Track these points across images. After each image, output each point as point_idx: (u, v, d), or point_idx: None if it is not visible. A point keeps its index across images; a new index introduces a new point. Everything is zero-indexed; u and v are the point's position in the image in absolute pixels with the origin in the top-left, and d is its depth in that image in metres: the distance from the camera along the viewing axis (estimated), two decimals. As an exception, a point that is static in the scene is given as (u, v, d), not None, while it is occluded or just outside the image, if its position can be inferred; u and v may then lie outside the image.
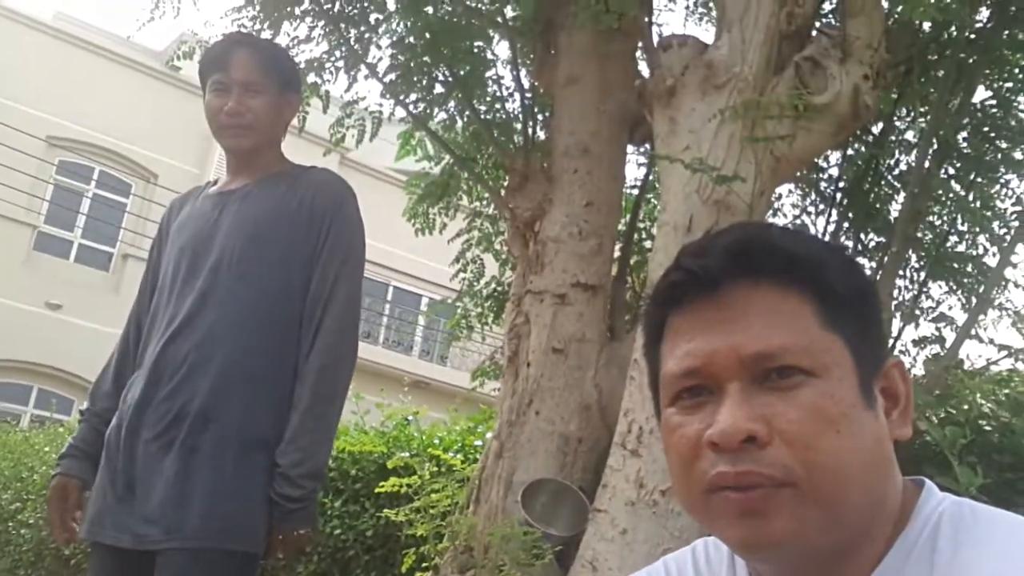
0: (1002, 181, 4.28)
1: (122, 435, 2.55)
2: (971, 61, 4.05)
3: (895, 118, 4.54)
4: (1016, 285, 4.14)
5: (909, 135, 4.69)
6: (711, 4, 5.82)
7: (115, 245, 20.07)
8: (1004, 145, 4.22)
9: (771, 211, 4.18)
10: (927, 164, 3.93)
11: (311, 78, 5.07)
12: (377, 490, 4.63)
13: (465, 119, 5.40)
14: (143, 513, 2.45)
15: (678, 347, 1.09)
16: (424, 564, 4.23)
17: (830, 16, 4.41)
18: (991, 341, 3.94)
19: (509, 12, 4.94)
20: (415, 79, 5.15)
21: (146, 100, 20.07)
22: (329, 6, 4.95)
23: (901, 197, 4.50)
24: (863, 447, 1.01)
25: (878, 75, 3.64)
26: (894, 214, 4.54)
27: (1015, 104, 4.45)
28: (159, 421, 2.51)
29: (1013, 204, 4.32)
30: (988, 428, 3.66)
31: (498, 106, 5.39)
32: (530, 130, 4.76)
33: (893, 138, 4.54)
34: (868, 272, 1.11)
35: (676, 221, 3.68)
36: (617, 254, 4.56)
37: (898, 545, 1.04)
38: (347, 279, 2.66)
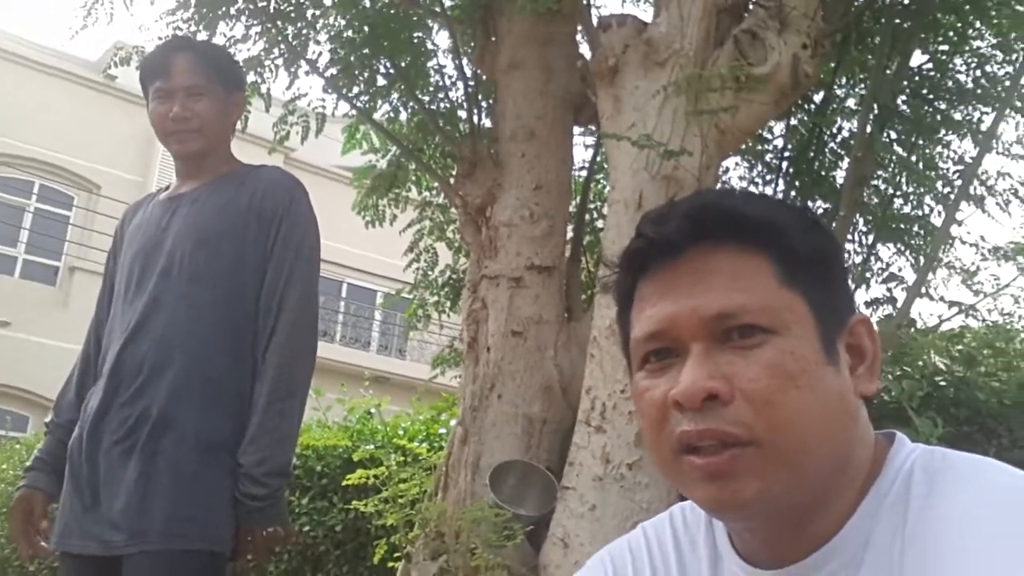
0: (944, 142, 4.36)
1: (84, 443, 2.54)
2: (906, 26, 4.11)
3: (835, 86, 4.61)
4: (963, 242, 4.23)
5: (850, 102, 4.76)
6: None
7: (60, 259, 19.77)
8: (943, 106, 4.29)
9: (719, 184, 4.21)
10: (869, 129, 3.99)
11: (251, 78, 5.02)
12: (344, 483, 4.63)
13: (409, 110, 5.39)
14: (108, 519, 2.44)
15: (643, 312, 1.11)
16: (396, 553, 4.24)
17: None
18: (942, 299, 4.02)
19: (447, 1, 4.94)
20: (356, 73, 5.14)
21: (84, 111, 19.76)
22: (264, 4, 4.91)
23: (845, 163, 4.57)
24: (824, 402, 1.02)
25: (816, 44, 3.69)
26: (839, 180, 4.61)
27: (951, 66, 4.54)
28: (119, 427, 2.50)
29: (955, 164, 4.41)
30: (943, 383, 3.75)
31: (441, 95, 5.40)
32: (475, 117, 4.76)
33: (834, 105, 4.61)
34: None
35: (626, 198, 3.71)
36: (569, 235, 4.58)
37: (872, 494, 1.07)
38: (301, 276, 2.65)
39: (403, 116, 5.52)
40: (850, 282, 1.19)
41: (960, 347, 4.05)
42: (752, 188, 4.88)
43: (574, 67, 4.45)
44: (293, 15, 4.97)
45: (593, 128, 4.84)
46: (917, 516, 1.02)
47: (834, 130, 4.61)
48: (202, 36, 4.82)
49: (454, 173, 4.62)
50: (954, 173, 4.31)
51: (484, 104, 5.06)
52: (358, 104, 5.17)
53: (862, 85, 4.58)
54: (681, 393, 1.02)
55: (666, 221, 1.11)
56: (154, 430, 2.47)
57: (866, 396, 1.09)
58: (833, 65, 4.48)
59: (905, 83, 4.25)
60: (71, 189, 20.16)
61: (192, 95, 2.69)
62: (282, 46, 5.00)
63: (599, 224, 5.23)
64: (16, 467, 8.38)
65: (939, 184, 4.36)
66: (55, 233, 19.55)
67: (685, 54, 3.72)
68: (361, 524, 5.26)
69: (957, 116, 4.51)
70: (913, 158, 4.30)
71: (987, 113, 4.49)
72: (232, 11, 4.87)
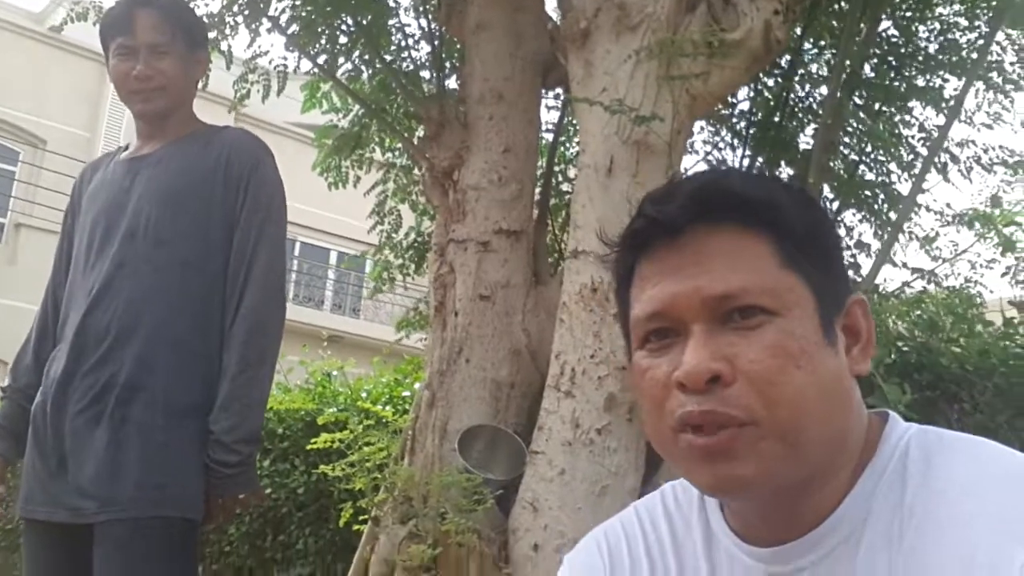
0: (908, 110, 4.39)
1: (48, 411, 2.50)
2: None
3: (801, 51, 4.62)
4: (928, 210, 4.27)
5: (814, 68, 4.77)
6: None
7: (6, 215, 19.38)
8: (908, 74, 4.32)
9: (687, 149, 4.21)
10: (838, 95, 4.01)
11: (211, 35, 4.93)
12: (309, 447, 4.61)
13: (373, 69, 5.32)
14: (77, 486, 2.41)
15: (644, 291, 1.11)
16: (361, 516, 4.24)
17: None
18: (904, 265, 4.07)
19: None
20: (319, 30, 5.06)
21: (28, 63, 19.27)
22: (225, -42, 4.81)
23: (810, 129, 4.60)
24: (824, 383, 1.03)
25: (787, 9, 3.69)
26: (803, 146, 4.64)
27: (916, 33, 4.56)
28: (85, 394, 2.46)
29: (918, 131, 4.45)
30: (906, 349, 3.80)
31: (405, 55, 5.33)
32: (441, 78, 4.71)
33: (801, 71, 4.62)
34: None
35: (596, 163, 3.70)
36: (536, 199, 4.57)
37: (868, 472, 1.08)
38: (268, 239, 2.62)
39: (364, 76, 5.45)
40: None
41: (920, 312, 4.10)
42: (717, 154, 4.89)
43: (543, 29, 4.41)
44: (255, -30, 4.88)
45: (560, 91, 4.81)
46: (915, 492, 1.04)
47: (800, 95, 4.62)
48: (162, -9, 4.70)
49: (420, 135, 4.57)
50: (918, 140, 4.34)
51: (448, 65, 5.01)
52: (320, 63, 5.10)
53: (829, 51, 4.59)
54: (685, 374, 1.03)
55: (668, 201, 1.11)
56: (121, 396, 2.44)
57: (860, 376, 1.10)
58: (799, 30, 4.49)
59: (873, 50, 4.26)
60: (16, 144, 19.69)
61: (156, 53, 2.63)
62: (243, 2, 4.90)
63: (564, 187, 5.22)
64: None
65: (903, 152, 4.40)
66: (0, 189, 19.16)
67: (657, 18, 3.69)
68: (324, 487, 5.26)
69: (921, 83, 4.55)
70: (879, 125, 4.32)
71: (947, 81, 4.55)
72: (192, -35, 4.77)
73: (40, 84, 19.19)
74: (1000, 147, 4.21)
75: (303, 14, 4.98)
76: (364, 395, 5.53)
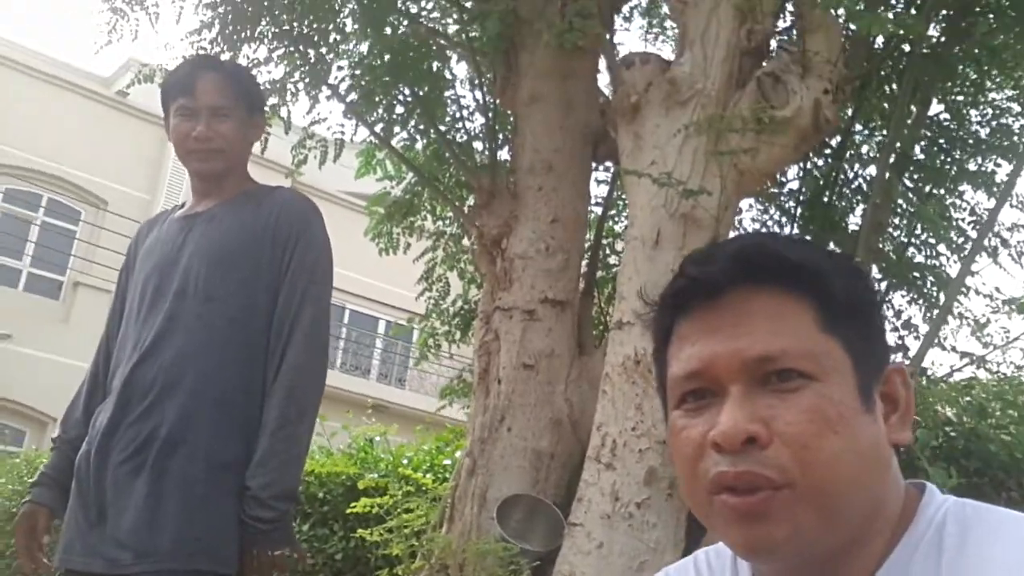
0: (958, 192, 4.37)
1: (91, 460, 2.52)
2: (926, 75, 4.13)
3: (852, 131, 4.63)
4: (977, 293, 4.23)
5: (864, 148, 4.78)
6: (666, 23, 5.90)
7: (65, 273, 19.75)
8: (959, 156, 4.31)
9: (735, 225, 4.22)
10: (887, 176, 4.00)
11: (272, 100, 5.05)
12: (348, 510, 4.61)
13: (428, 139, 5.41)
14: (114, 537, 2.42)
15: (683, 351, 1.11)
16: (396, 584, 4.22)
17: (787, 33, 4.49)
18: (953, 349, 4.02)
19: (471, 32, 4.98)
20: (376, 99, 5.17)
21: (93, 126, 19.80)
22: (288, 27, 4.94)
23: (859, 210, 4.59)
24: (860, 449, 1.02)
25: (837, 89, 3.72)
26: (852, 227, 4.62)
27: (967, 117, 4.56)
28: (128, 445, 2.48)
29: (968, 214, 4.42)
30: (953, 434, 3.74)
31: (459, 125, 5.42)
32: (493, 149, 4.78)
33: (851, 151, 4.62)
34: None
35: (644, 235, 3.72)
36: (582, 270, 4.59)
37: (903, 543, 1.06)
38: (314, 299, 2.65)
39: (419, 145, 5.54)
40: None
41: (970, 398, 4.04)
42: (765, 231, 4.89)
43: (594, 102, 4.47)
44: (316, 39, 5.01)
45: (609, 164, 4.86)
46: (951, 567, 1.02)
47: (850, 176, 4.62)
48: (225, 57, 4.84)
49: (470, 203, 4.63)
50: (968, 223, 4.32)
51: (501, 136, 5.08)
52: (376, 131, 5.19)
53: (879, 132, 4.60)
54: (721, 435, 1.02)
55: (710, 262, 1.11)
56: (163, 449, 2.46)
57: (899, 444, 1.09)
58: (850, 111, 4.50)
59: (923, 131, 4.26)
60: (78, 204, 20.16)
61: (217, 115, 2.69)
62: (304, 69, 5.02)
63: (611, 260, 5.24)
64: (15, 482, 8.33)
65: (952, 234, 4.38)
66: (61, 247, 19.55)
67: (707, 94, 3.74)
68: (361, 553, 5.23)
69: (972, 167, 4.53)
70: (928, 207, 4.31)
71: (1000, 165, 4.53)
72: (256, 33, 4.90)
73: (103, 146, 19.67)
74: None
75: (362, 83, 5.09)
76: (405, 462, 5.52)
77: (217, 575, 2.45)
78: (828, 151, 4.54)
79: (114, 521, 2.44)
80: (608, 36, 4.32)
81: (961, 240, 4.36)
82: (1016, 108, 4.59)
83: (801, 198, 4.64)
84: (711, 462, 1.04)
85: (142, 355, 2.56)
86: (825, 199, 4.49)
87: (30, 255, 19.63)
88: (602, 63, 4.59)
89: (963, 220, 4.34)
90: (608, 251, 5.21)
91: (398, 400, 19.73)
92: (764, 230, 4.78)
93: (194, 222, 2.73)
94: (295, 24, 4.96)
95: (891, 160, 4.04)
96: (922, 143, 4.31)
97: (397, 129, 5.41)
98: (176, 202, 2.91)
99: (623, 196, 5.34)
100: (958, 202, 4.47)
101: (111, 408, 2.55)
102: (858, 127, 4.66)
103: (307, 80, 5.05)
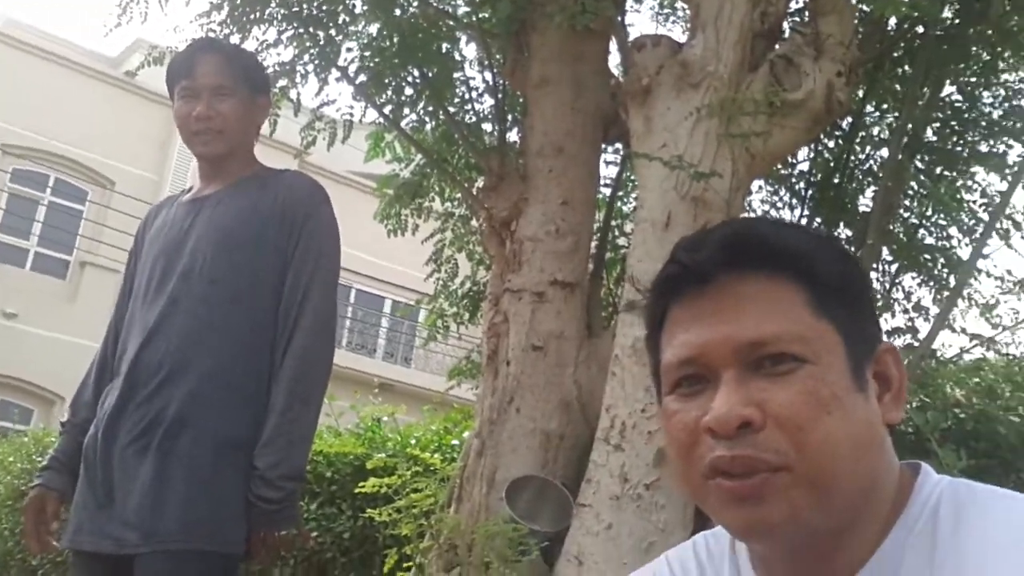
0: (970, 174, 4.36)
1: (99, 442, 2.54)
2: (939, 57, 4.11)
3: (863, 113, 4.61)
4: (988, 275, 4.22)
5: (875, 130, 4.76)
6: (677, 4, 5.88)
7: (72, 253, 19.78)
8: (971, 138, 4.30)
9: (746, 207, 4.21)
10: (899, 158, 3.99)
11: (281, 82, 5.05)
12: (357, 490, 4.62)
13: (437, 121, 5.40)
14: (122, 518, 2.44)
15: (675, 337, 1.12)
16: (406, 564, 4.23)
17: (800, 15, 4.47)
18: (963, 330, 4.02)
19: (482, 14, 4.96)
20: (386, 81, 5.15)
21: (101, 106, 19.79)
22: (297, 9, 4.93)
23: (870, 191, 4.58)
24: (854, 429, 1.03)
25: (850, 72, 3.70)
26: (863, 208, 4.62)
27: (979, 98, 4.54)
28: (135, 426, 2.50)
29: (980, 196, 4.41)
30: (962, 416, 3.74)
31: (468, 107, 5.41)
32: (503, 130, 4.77)
33: (863, 133, 4.61)
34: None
35: (654, 218, 3.71)
36: (592, 252, 4.58)
37: (899, 524, 1.08)
38: (321, 281, 2.66)
39: (428, 127, 5.53)
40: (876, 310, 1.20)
41: (979, 379, 4.03)
42: (775, 213, 4.88)
43: (604, 84, 4.46)
44: (325, 20, 4.99)
45: (619, 145, 4.85)
46: (946, 549, 1.03)
47: (861, 158, 4.60)
48: (235, 39, 4.84)
49: (479, 185, 4.62)
50: (979, 205, 4.31)
51: (510, 117, 5.07)
52: (385, 112, 5.18)
53: (891, 114, 4.59)
54: (716, 420, 1.03)
55: (700, 248, 1.12)
56: (170, 430, 2.47)
57: (892, 424, 1.10)
58: (862, 92, 4.48)
59: (936, 113, 4.25)
60: (85, 184, 20.19)
61: (217, 95, 2.69)
62: (314, 51, 5.01)
63: (620, 242, 5.24)
64: (23, 460, 8.37)
65: (964, 216, 4.37)
66: (68, 227, 19.59)
67: (719, 77, 3.72)
68: (369, 532, 5.25)
69: (984, 148, 4.51)
70: (940, 189, 4.30)
71: (1012, 147, 4.51)
72: (265, 15, 4.89)
73: (111, 127, 19.68)
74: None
75: (371, 65, 5.08)
76: (413, 442, 5.53)
77: (224, 555, 2.47)
78: (839, 133, 4.52)
79: (121, 502, 2.47)
80: (619, 18, 4.31)
81: (972, 223, 4.36)
82: (1027, 88, 4.56)
83: (812, 180, 4.62)
84: (706, 447, 1.05)
85: (147, 336, 2.58)
86: (836, 181, 4.48)
87: (37, 235, 19.69)
88: (613, 45, 4.57)
89: (975, 203, 4.33)
90: (617, 232, 5.20)
91: (404, 379, 19.80)
92: (774, 212, 4.77)
93: (201, 205, 2.74)
94: (304, 5, 4.94)
95: (903, 142, 4.02)
96: (934, 125, 4.29)
97: (406, 111, 5.39)
98: (183, 183, 2.92)
99: (632, 178, 5.33)
100: (970, 183, 4.45)
101: (119, 390, 2.57)
102: (869, 109, 4.63)
103: (316, 62, 5.03)
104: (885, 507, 1.09)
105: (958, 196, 4.54)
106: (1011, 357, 4.61)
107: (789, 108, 3.60)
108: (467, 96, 5.43)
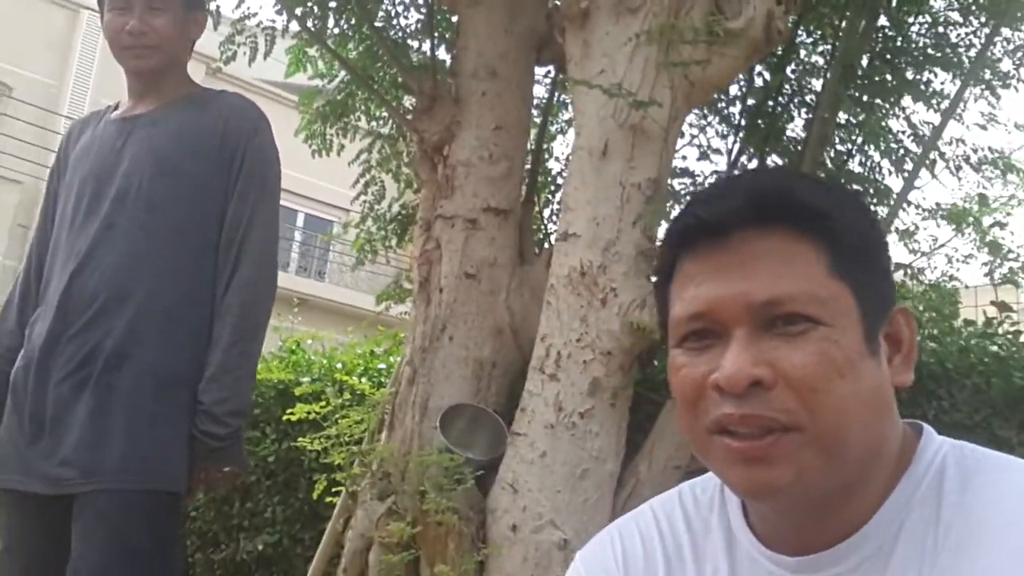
0: (900, 106, 4.40)
1: (30, 375, 2.45)
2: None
3: (795, 42, 4.60)
4: (917, 208, 4.30)
5: (808, 58, 4.76)
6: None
7: (-32, 161, 19.03)
8: (903, 69, 4.32)
9: (680, 135, 4.18)
10: (835, 89, 4.00)
11: (199, -8, 4.82)
12: (284, 417, 4.58)
13: (361, 34, 5.23)
14: (57, 455, 2.37)
15: (687, 290, 1.10)
16: (334, 489, 4.22)
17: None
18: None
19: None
20: (309, -8, 4.96)
21: (-4, 7, 18.91)
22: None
23: (800, 120, 4.60)
24: (866, 393, 1.03)
25: (789, 0, 3.68)
26: (791, 133, 4.64)
27: (907, 26, 4.56)
28: (70, 359, 2.42)
29: (907, 126, 4.46)
30: (885, 344, 3.82)
31: (395, 22, 5.26)
32: (431, 50, 4.64)
33: (795, 62, 4.60)
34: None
35: (592, 145, 3.67)
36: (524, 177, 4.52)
37: (902, 485, 1.08)
38: (264, 210, 2.59)
39: (352, 43, 5.36)
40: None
41: (898, 305, 4.12)
42: (702, 138, 4.87)
43: (540, 5, 4.35)
44: (245, -73, 4.77)
45: (551, 69, 4.77)
46: (953, 511, 1.04)
47: (794, 87, 4.60)
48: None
49: (411, 107, 4.51)
50: (910, 136, 4.35)
51: (437, 35, 4.93)
52: (308, 25, 5.00)
53: (824, 43, 4.58)
54: (725, 379, 1.02)
55: (719, 201, 1.09)
56: (108, 363, 2.40)
57: (901, 386, 1.10)
58: (793, 20, 4.46)
59: (869, 44, 4.25)
60: (-20, 89, 19.32)
61: (151, 9, 2.58)
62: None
63: (549, 166, 5.19)
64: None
65: (893, 147, 4.41)
66: (-38, 135, 18.80)
67: (659, 2, 3.66)
68: (294, 456, 5.24)
69: (911, 76, 4.55)
70: (872, 119, 4.33)
71: (936, 75, 4.55)
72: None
73: (7, 30, 18.78)
74: (989, 148, 4.24)
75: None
76: (340, 366, 5.49)
77: (169, 493, 2.42)
78: (771, 60, 4.51)
79: (56, 439, 2.39)
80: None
81: (902, 154, 4.41)
82: (956, 17, 4.59)
83: (744, 107, 4.62)
84: (712, 402, 1.05)
85: (79, 264, 2.48)
86: (768, 109, 4.48)
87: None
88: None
89: (904, 133, 4.37)
90: (546, 156, 5.14)
91: (318, 293, 19.63)
92: (703, 139, 4.76)
93: (134, 124, 2.63)
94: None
95: (839, 73, 4.03)
96: (867, 56, 4.29)
97: (331, 24, 5.22)
98: (85, 89, 2.79)
99: (563, 100, 5.26)
100: (898, 113, 4.49)
101: (50, 320, 2.48)
102: (802, 37, 4.62)
103: (236, -29, 4.83)
104: (889, 467, 1.09)
105: (883, 125, 4.58)
106: (930, 284, 4.72)
107: (729, 36, 3.56)
108: (393, 12, 5.27)
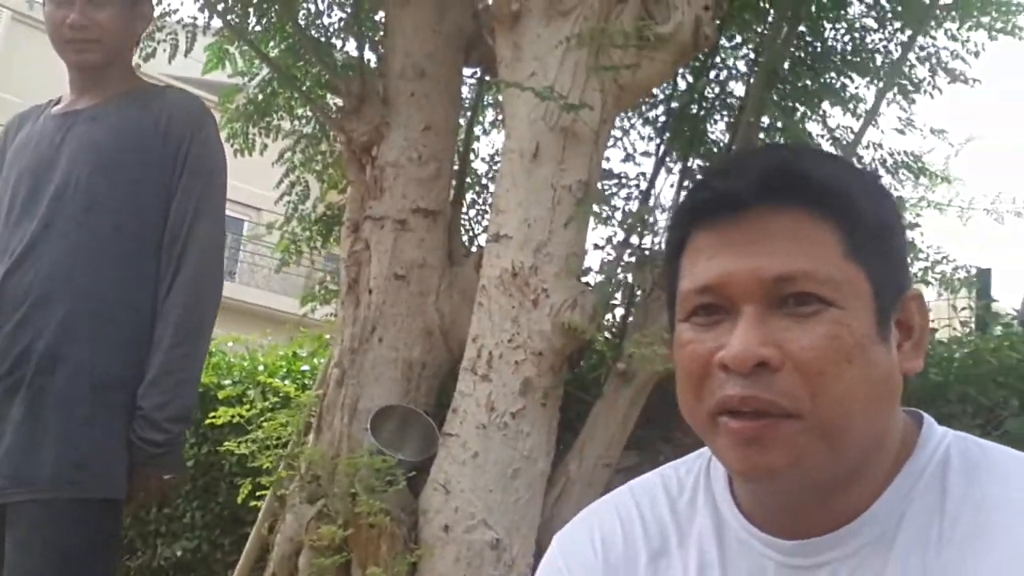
0: (820, 111, 4.49)
1: None
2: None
3: (717, 45, 4.66)
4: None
5: (730, 62, 4.83)
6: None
7: None
8: (820, 72, 4.41)
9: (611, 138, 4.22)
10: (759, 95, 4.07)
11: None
12: (208, 421, 4.50)
13: (283, 32, 5.15)
14: None
15: (697, 264, 1.09)
16: (259, 492, 4.17)
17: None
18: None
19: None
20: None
21: None
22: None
23: (722, 124, 4.67)
24: (873, 380, 1.02)
25: (717, 5, 3.74)
26: (713, 135, 4.70)
27: (826, 31, 4.65)
28: (2, 361, 2.36)
29: (825, 129, 4.56)
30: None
31: (318, 22, 5.20)
32: (358, 50, 4.60)
33: (718, 66, 4.67)
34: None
35: (522, 148, 3.68)
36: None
37: (904, 472, 1.08)
38: (209, 209, 2.55)
39: (274, 40, 5.27)
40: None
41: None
42: (626, 141, 4.90)
43: (468, 5, 4.35)
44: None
45: (479, 70, 4.76)
46: (959, 501, 1.04)
47: (716, 91, 4.67)
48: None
49: (337, 107, 4.47)
50: (829, 140, 4.45)
51: (361, 33, 4.88)
52: (229, 20, 4.91)
53: (746, 47, 4.66)
54: (732, 357, 1.01)
55: (735, 175, 1.08)
56: (41, 366, 2.34)
57: (910, 374, 1.09)
58: (716, 25, 4.53)
59: (792, 49, 4.34)
60: None
61: (93, 3, 2.52)
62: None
63: (475, 167, 5.19)
64: None
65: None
66: None
67: (590, 6, 3.68)
68: (214, 460, 5.16)
69: (830, 82, 4.64)
70: (796, 123, 4.41)
71: (851, 79, 4.64)
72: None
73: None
74: (905, 152, 4.36)
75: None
76: (262, 368, 5.42)
77: (106, 501, 2.37)
78: (694, 64, 4.57)
79: None
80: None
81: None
82: (871, 23, 4.69)
83: (668, 110, 4.68)
84: (717, 382, 1.03)
85: (14, 263, 2.43)
86: (692, 112, 4.54)
87: None
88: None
89: (823, 137, 4.47)
90: (472, 157, 5.13)
91: (229, 294, 19.29)
92: (630, 142, 4.80)
93: (74, 120, 2.57)
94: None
95: (764, 78, 4.10)
96: (788, 60, 4.38)
97: (252, 21, 5.13)
98: (59, 95, 2.73)
99: (489, 101, 5.27)
100: (817, 118, 4.59)
101: None
102: (723, 42, 4.69)
103: (156, -34, 4.71)
104: (891, 456, 1.09)
105: (801, 127, 4.66)
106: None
107: (659, 41, 3.60)
108: (315, 9, 5.20)
